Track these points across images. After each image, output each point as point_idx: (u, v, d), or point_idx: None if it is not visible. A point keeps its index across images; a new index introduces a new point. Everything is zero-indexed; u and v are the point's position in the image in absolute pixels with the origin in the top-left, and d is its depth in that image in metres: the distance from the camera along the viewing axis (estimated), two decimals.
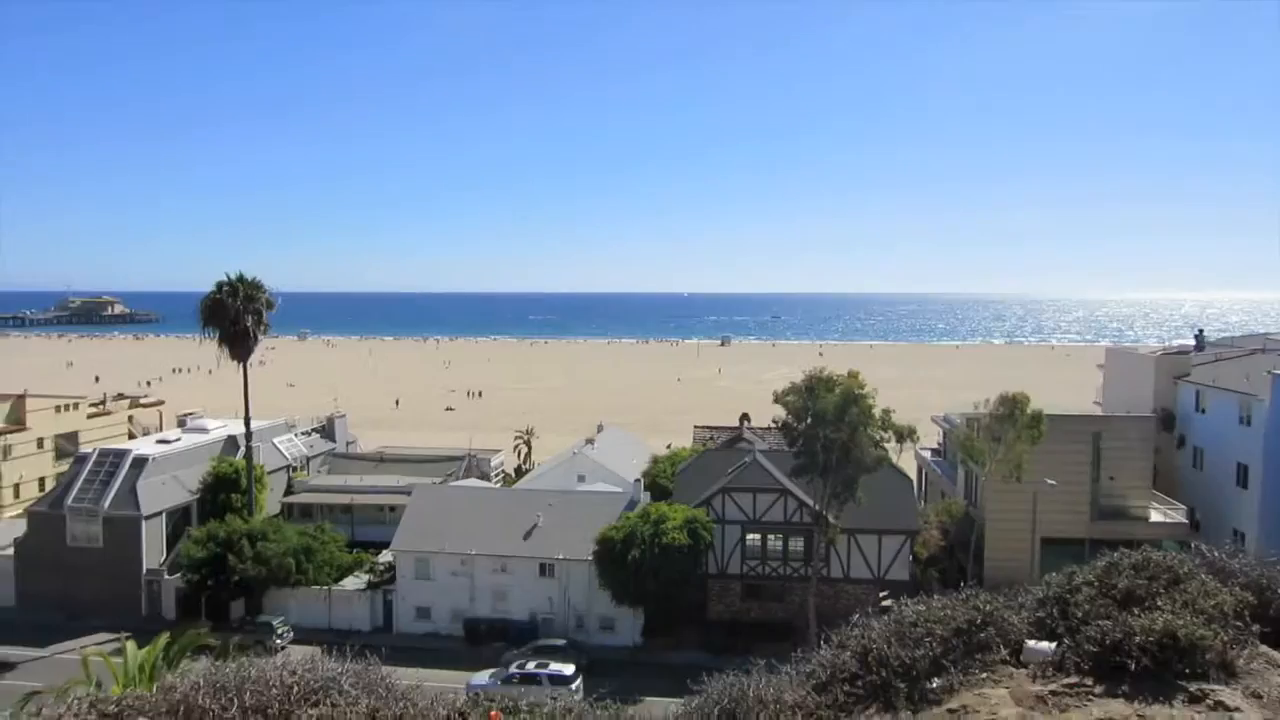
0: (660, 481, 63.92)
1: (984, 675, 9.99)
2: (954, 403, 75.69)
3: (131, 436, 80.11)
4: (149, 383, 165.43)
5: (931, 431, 70.77)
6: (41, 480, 74.25)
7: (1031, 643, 10.29)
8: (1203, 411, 57.25)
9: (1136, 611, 9.93)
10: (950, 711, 9.44)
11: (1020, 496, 51.49)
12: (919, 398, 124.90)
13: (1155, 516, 53.22)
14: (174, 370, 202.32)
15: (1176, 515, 53.56)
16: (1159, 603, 10.04)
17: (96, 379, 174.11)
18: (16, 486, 73.76)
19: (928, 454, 71.71)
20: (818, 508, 48.09)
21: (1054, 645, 10.20)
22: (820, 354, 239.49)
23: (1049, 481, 50.93)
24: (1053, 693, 9.36)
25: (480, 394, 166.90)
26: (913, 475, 65.71)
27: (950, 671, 10.02)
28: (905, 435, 46.18)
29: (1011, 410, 49.50)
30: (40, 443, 76.06)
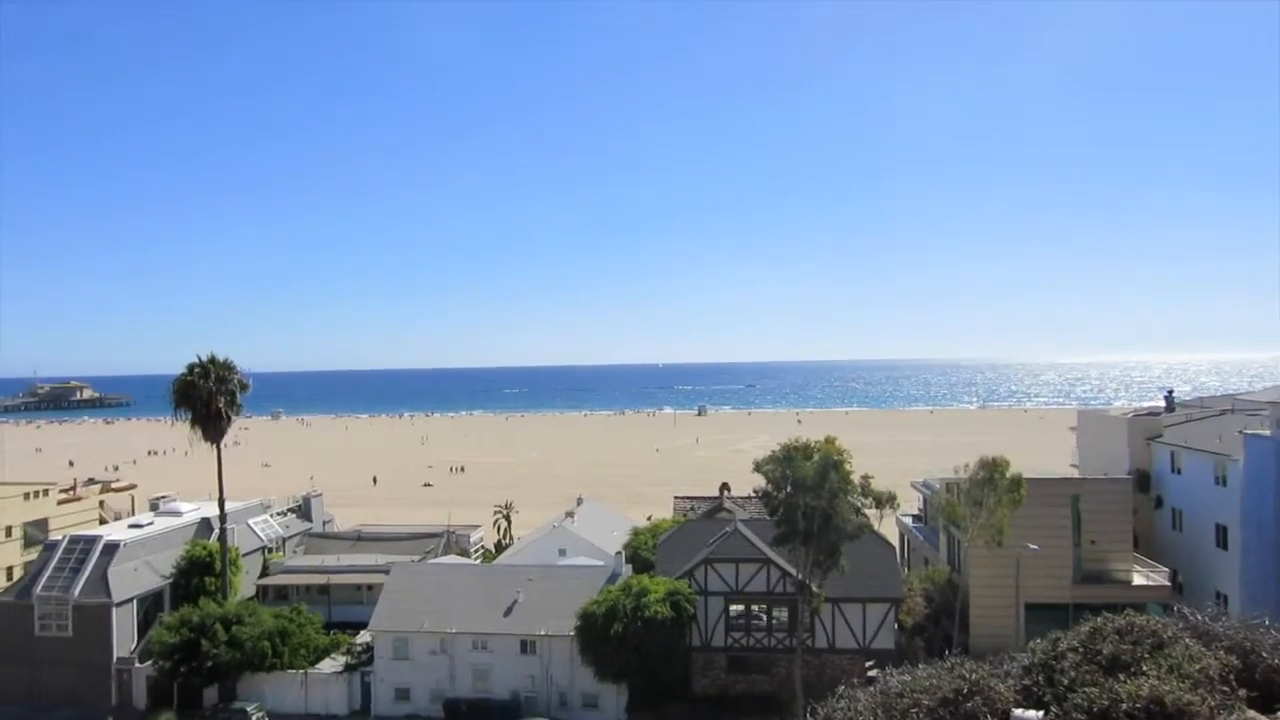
0: (641, 554, 63.33)
1: None
2: (932, 467, 75.91)
3: (103, 522, 78.66)
4: (116, 467, 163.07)
5: (911, 497, 70.81)
6: (10, 569, 72.54)
7: (1019, 711, 10.25)
8: (1178, 472, 57.71)
9: (1122, 677, 9.92)
10: None
11: (1003, 561, 51.42)
12: (897, 463, 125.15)
13: (1138, 579, 53.21)
14: (149, 453, 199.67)
15: (1159, 578, 53.57)
16: (1145, 668, 10.04)
17: (70, 463, 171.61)
18: None
19: (909, 520, 71.58)
20: (801, 576, 47.77)
21: (1041, 714, 10.16)
22: (799, 421, 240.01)
23: (1031, 546, 50.95)
24: None
25: (463, 469, 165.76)
26: (895, 542, 65.54)
27: None
28: (885, 501, 46.17)
29: (991, 474, 49.70)
30: (8, 531, 74.49)
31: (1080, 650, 10.88)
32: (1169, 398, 67.67)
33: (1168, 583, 53.25)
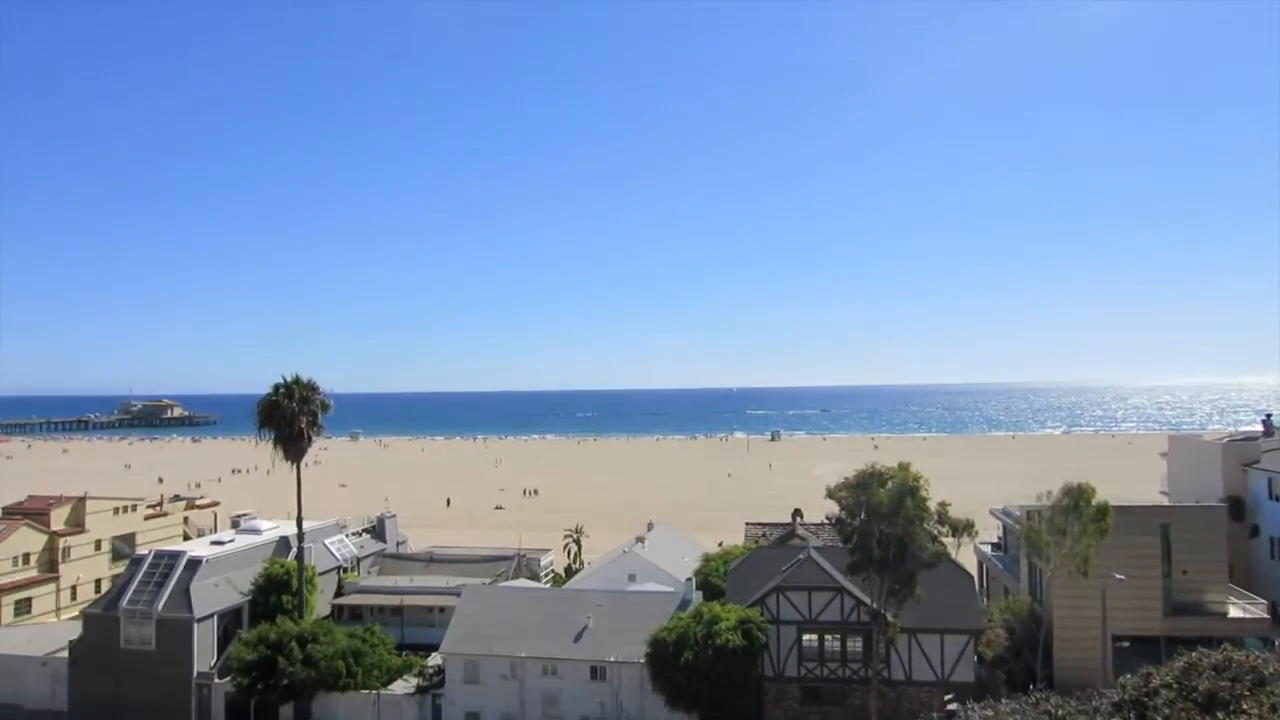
0: (712, 580, 62.76)
1: None
2: (1012, 495, 73.86)
3: (186, 538, 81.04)
4: (198, 485, 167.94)
5: (990, 525, 69.01)
6: (98, 582, 75.19)
7: None
8: (1277, 499, 55.17)
9: (1221, 716, 9.39)
10: None
11: (1088, 592, 49.64)
12: (976, 490, 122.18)
13: (1234, 611, 50.86)
14: (233, 471, 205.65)
15: (1257, 610, 51.13)
16: (1245, 706, 9.50)
17: (160, 480, 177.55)
18: (74, 588, 74.73)
19: (987, 549, 69.72)
20: (876, 606, 46.76)
21: None
22: (874, 447, 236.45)
23: (1118, 576, 49.11)
24: None
25: (536, 492, 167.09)
26: (973, 571, 63.83)
27: None
28: (963, 529, 45.04)
29: (1076, 502, 48.10)
30: (98, 544, 77.31)
31: (1174, 687, 10.31)
32: (1268, 421, 64.80)
33: (1266, 615, 50.81)
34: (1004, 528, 66.82)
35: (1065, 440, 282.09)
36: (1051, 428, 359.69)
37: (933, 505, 44.68)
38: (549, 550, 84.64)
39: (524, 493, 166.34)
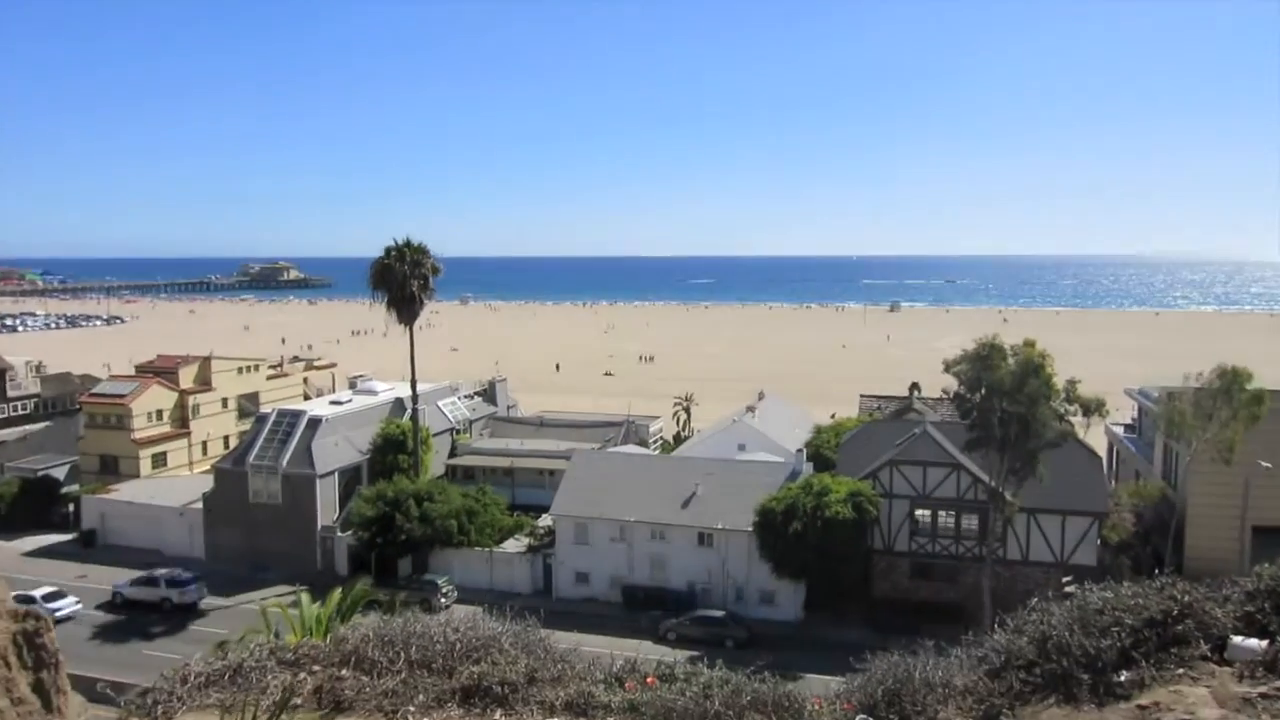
0: (824, 452, 63.18)
1: (1180, 671, 9.36)
2: (1152, 375, 71.16)
3: (306, 398, 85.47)
4: (310, 346, 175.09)
5: (1125, 406, 66.96)
6: (226, 438, 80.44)
7: (1238, 639, 9.56)
8: None
9: None
10: (1140, 708, 8.90)
11: (1229, 480, 48.05)
12: (1113, 369, 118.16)
13: None
14: (352, 333, 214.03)
15: None
16: None
17: (283, 341, 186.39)
18: (204, 444, 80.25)
19: (1120, 430, 67.91)
20: (994, 484, 46.42)
21: (1265, 643, 9.45)
22: (1004, 320, 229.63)
23: (1264, 465, 47.32)
24: (1262, 695, 8.68)
25: (652, 358, 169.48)
26: (1102, 453, 62.42)
27: (1141, 665, 9.43)
28: (1094, 409, 43.93)
29: (1229, 386, 46.12)
30: (225, 402, 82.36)
31: None
32: None
33: None
34: (1140, 409, 64.77)
35: (1217, 318, 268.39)
36: (1202, 304, 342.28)
37: (1061, 382, 43.58)
38: (658, 418, 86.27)
39: (639, 359, 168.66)
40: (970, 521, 50.80)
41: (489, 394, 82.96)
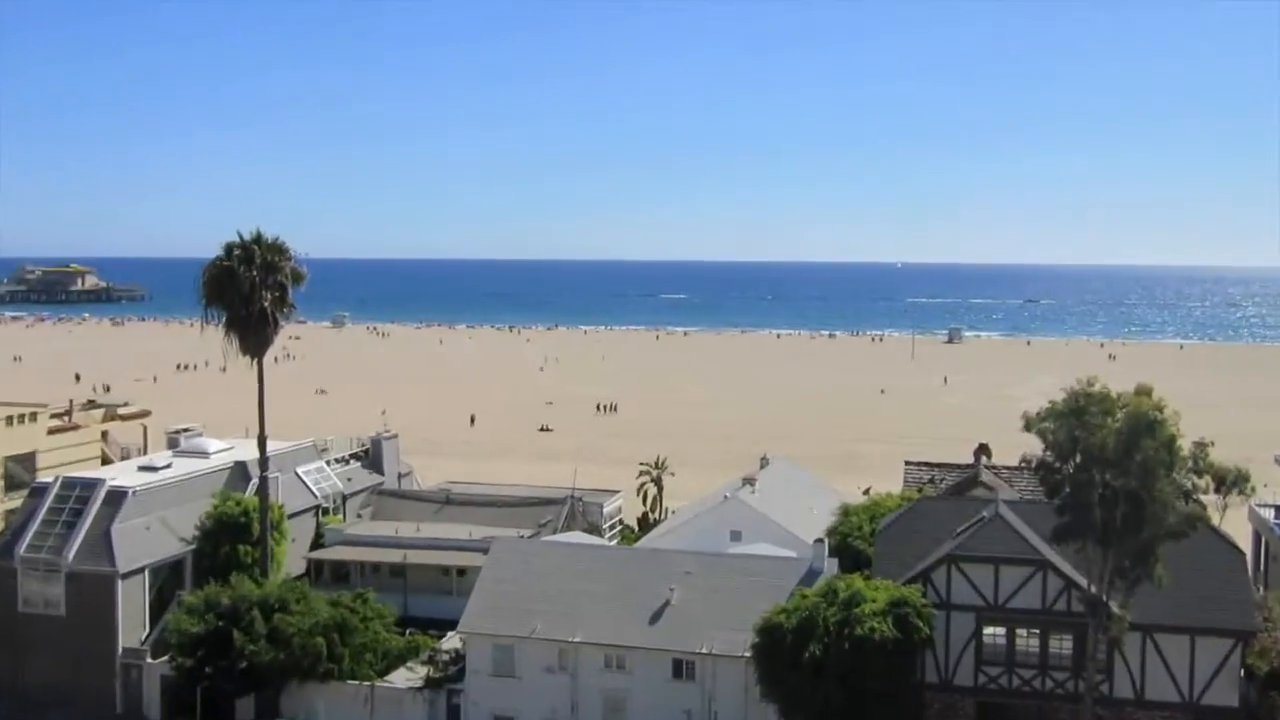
0: (853, 543, 63.14)
1: None
2: None
3: (106, 461, 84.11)
4: (107, 387, 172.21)
5: (1277, 479, 67.79)
6: None
7: None
8: None
9: None
10: None
11: None
12: (1259, 427, 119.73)
13: None
14: (177, 368, 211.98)
15: None
16: None
17: (76, 378, 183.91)
18: None
19: (1270, 513, 68.67)
20: (1094, 590, 46.67)
21: None
22: (1110, 357, 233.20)
23: None
24: None
25: (614, 408, 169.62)
26: (1246, 545, 62.98)
27: None
28: (1233, 483, 44.47)
29: None
30: None
31: None
32: None
33: None
34: None
35: None
36: None
37: (1187, 446, 43.99)
38: (617, 493, 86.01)
39: (597, 408, 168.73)
40: (1062, 643, 50.88)
41: (372, 457, 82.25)
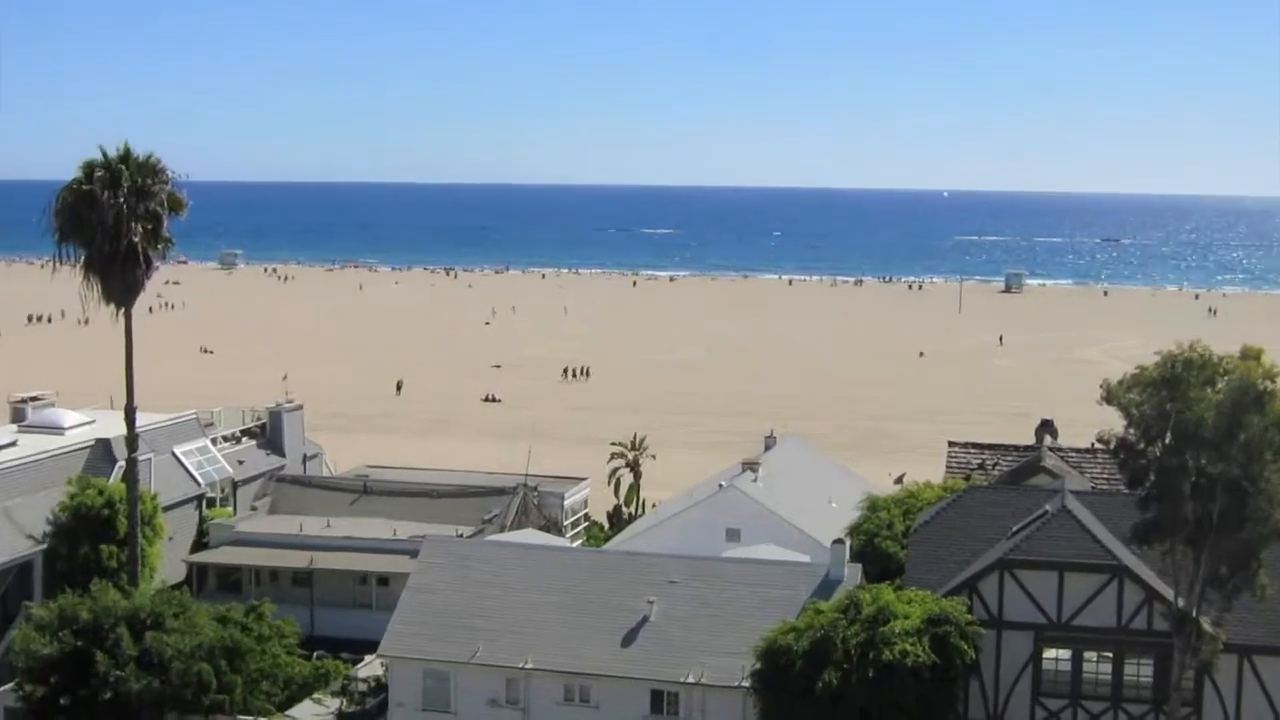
0: (881, 545, 63.45)
1: None
2: None
3: None
4: None
5: None
6: None
7: None
8: None
9: None
10: None
11: None
12: None
13: None
14: (30, 320, 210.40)
15: None
16: None
17: None
18: None
19: None
20: (1182, 603, 47.10)
21: None
22: (1210, 311, 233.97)
23: None
24: None
25: (586, 373, 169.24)
26: None
27: None
28: None
29: None
30: None
31: None
32: None
33: None
34: None
35: None
36: None
37: None
38: (583, 480, 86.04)
39: (565, 373, 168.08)
40: (1141, 669, 51.35)
41: (270, 435, 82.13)
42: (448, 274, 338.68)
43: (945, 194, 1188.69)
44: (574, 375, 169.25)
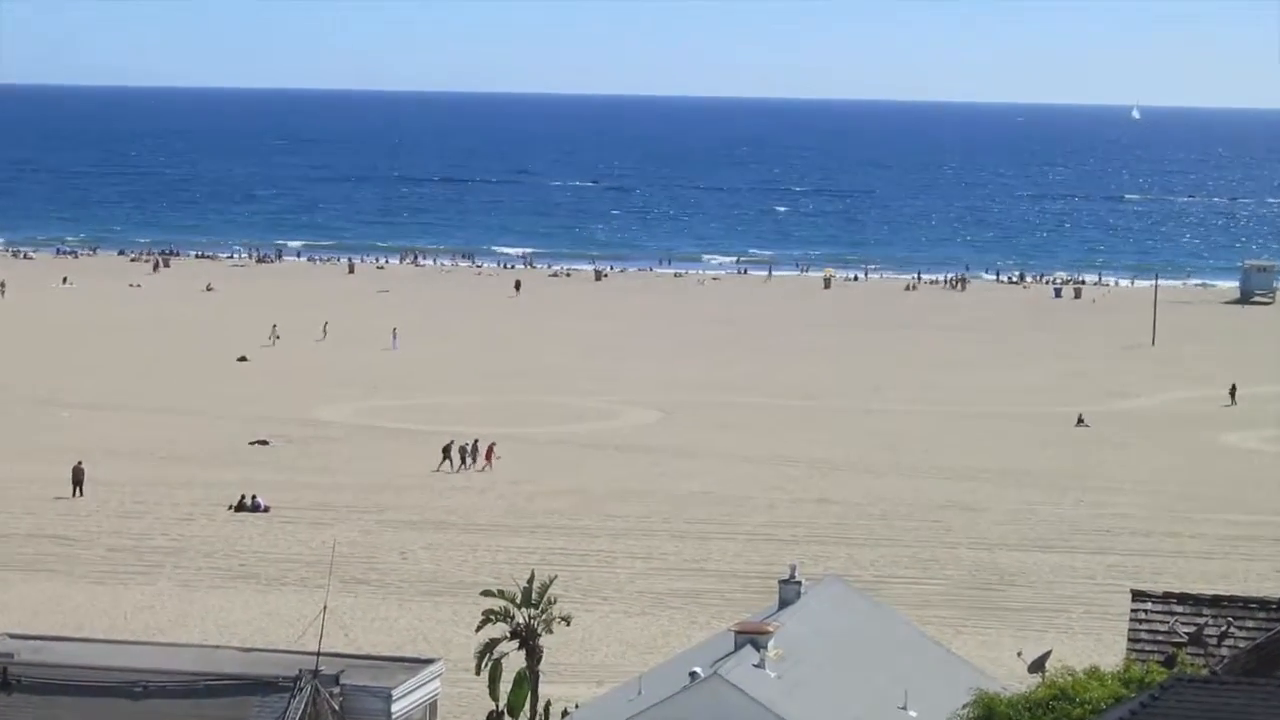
0: None
1: None
2: None
3: None
4: None
5: None
6: None
7: None
8: None
9: None
10: None
11: None
12: None
13: None
14: None
15: None
16: None
17: None
18: None
19: None
20: None
21: None
22: None
23: None
24: None
25: (486, 454, 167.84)
26: None
27: None
28: None
29: None
30: None
31: None
32: None
33: None
34: None
35: None
36: None
37: None
38: (427, 665, 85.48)
39: (446, 456, 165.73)
40: None
41: None
42: (152, 259, 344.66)
43: (1135, 112, 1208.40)
44: (464, 459, 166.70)
